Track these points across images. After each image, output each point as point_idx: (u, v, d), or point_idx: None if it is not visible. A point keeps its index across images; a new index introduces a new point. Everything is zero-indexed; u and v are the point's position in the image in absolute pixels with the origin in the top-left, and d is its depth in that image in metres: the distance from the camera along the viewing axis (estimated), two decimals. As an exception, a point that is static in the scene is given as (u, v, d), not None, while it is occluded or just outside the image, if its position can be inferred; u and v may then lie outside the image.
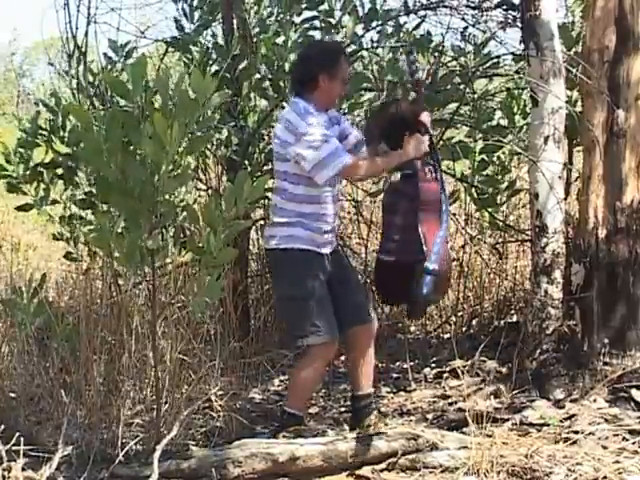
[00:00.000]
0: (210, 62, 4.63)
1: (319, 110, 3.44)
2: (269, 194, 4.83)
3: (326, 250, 3.49)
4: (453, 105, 4.77)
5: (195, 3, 4.65)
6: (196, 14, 4.67)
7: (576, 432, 3.39)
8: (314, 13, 4.64)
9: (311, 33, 4.65)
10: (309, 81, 3.44)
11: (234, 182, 3.03)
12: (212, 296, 3.13)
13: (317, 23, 4.65)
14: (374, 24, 4.61)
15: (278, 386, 4.45)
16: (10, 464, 2.95)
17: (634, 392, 3.71)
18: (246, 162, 4.67)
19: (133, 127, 2.94)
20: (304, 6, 4.60)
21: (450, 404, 3.93)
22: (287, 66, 4.43)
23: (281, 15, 4.53)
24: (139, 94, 2.97)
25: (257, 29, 4.62)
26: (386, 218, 3.72)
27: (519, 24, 4.28)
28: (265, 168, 4.72)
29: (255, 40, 4.59)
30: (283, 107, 4.63)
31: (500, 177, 4.97)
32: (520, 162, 5.29)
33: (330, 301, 3.45)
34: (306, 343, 3.41)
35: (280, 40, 4.48)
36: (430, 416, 3.82)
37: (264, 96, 4.77)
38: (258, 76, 4.64)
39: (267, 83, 4.64)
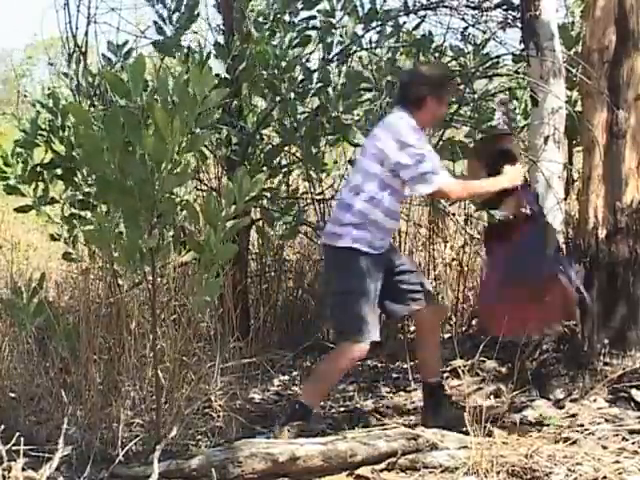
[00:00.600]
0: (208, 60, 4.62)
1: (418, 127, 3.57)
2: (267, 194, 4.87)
3: (383, 250, 3.58)
4: (453, 105, 4.78)
5: (173, 6, 4.64)
6: (174, 16, 4.66)
7: (576, 432, 3.39)
8: (311, 12, 4.65)
9: (308, 33, 4.65)
10: (417, 100, 3.56)
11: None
12: (211, 294, 3.14)
13: (315, 22, 4.65)
14: (374, 24, 4.62)
15: (278, 386, 4.45)
16: (10, 464, 2.95)
17: (634, 392, 3.71)
18: (245, 162, 4.66)
19: (133, 126, 2.94)
20: (301, 6, 4.61)
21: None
22: (283, 65, 4.43)
23: (278, 15, 4.54)
24: (139, 93, 2.97)
25: (254, 29, 4.62)
26: (500, 255, 3.80)
27: (519, 24, 4.28)
28: (264, 168, 4.72)
29: (249, 39, 4.60)
30: (281, 107, 4.64)
31: (500, 177, 4.96)
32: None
33: (377, 305, 3.55)
34: (348, 338, 3.50)
35: (276, 41, 4.49)
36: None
37: (262, 95, 4.77)
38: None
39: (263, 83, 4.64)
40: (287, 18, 4.58)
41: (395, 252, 3.78)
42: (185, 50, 4.67)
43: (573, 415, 3.59)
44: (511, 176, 3.60)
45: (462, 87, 4.70)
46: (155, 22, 4.66)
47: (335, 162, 5.43)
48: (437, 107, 3.61)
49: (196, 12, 4.68)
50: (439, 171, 3.49)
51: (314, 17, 4.65)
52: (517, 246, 3.71)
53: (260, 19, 4.64)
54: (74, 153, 4.10)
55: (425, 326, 3.71)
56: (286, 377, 4.56)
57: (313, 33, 4.66)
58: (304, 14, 4.65)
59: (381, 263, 3.55)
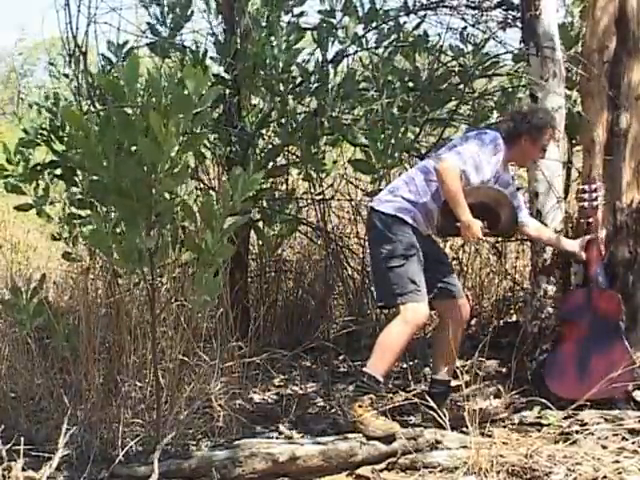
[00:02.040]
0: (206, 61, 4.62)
1: (504, 160, 3.66)
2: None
3: (424, 233, 3.68)
4: (452, 104, 4.79)
5: (167, 7, 4.63)
6: (169, 17, 4.66)
7: (576, 432, 3.39)
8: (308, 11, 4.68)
9: (302, 30, 4.66)
10: (512, 135, 3.68)
11: (232, 181, 3.04)
12: (211, 293, 3.13)
13: (308, 20, 4.68)
14: (374, 24, 4.62)
15: (278, 386, 4.45)
16: (10, 464, 2.95)
17: (634, 392, 3.71)
18: (245, 163, 4.66)
19: (127, 127, 2.93)
20: (291, 2, 4.62)
21: (450, 404, 3.93)
22: (281, 66, 4.43)
23: (271, 15, 4.54)
24: (134, 94, 2.97)
25: (252, 29, 4.63)
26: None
27: (519, 24, 4.28)
28: (264, 168, 4.71)
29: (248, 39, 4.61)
30: (280, 107, 4.63)
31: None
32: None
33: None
34: (405, 301, 3.54)
35: (275, 42, 4.49)
36: (430, 416, 3.81)
37: (262, 97, 4.77)
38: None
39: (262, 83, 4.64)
40: (282, 18, 4.58)
41: (437, 244, 3.89)
42: (180, 50, 4.67)
43: (573, 415, 3.59)
44: (469, 226, 3.50)
45: (461, 86, 4.71)
46: (149, 24, 4.67)
47: (335, 162, 5.43)
48: (530, 148, 3.71)
49: (190, 11, 4.69)
50: (458, 163, 3.51)
51: (303, 13, 4.67)
52: (595, 326, 3.79)
53: (259, 19, 4.65)
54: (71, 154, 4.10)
55: (446, 319, 3.73)
56: (286, 377, 4.55)
57: (308, 31, 4.68)
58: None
59: (422, 241, 3.63)
